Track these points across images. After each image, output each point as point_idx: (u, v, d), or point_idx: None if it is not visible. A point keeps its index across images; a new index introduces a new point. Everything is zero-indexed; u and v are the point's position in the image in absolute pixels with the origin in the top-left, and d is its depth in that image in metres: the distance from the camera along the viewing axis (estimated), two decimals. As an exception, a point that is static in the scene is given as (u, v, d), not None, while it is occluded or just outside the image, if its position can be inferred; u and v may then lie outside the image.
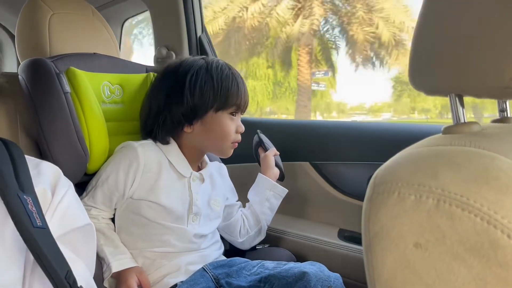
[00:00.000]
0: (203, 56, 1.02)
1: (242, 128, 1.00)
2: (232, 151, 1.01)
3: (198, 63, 0.98)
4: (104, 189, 0.93)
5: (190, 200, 0.96)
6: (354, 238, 1.10)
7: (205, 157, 1.06)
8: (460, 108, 0.46)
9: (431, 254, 0.32)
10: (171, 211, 0.93)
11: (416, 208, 0.33)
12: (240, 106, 0.98)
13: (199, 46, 1.43)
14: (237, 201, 1.13)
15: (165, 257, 0.93)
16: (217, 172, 1.08)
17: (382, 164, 0.40)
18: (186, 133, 0.98)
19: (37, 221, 0.51)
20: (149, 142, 0.97)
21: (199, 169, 1.03)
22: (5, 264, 0.51)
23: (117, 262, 0.89)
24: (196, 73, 0.96)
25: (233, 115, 0.98)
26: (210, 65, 0.98)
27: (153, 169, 0.94)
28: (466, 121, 0.46)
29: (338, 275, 0.89)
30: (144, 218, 0.93)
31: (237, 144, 1.00)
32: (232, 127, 0.98)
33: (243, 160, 1.26)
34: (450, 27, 0.40)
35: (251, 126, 1.37)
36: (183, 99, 0.95)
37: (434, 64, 0.43)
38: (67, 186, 0.60)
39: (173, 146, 0.98)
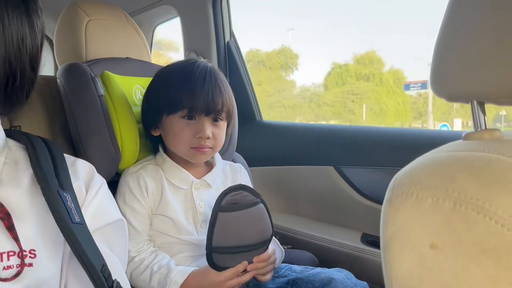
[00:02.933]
0: (191, 59, 1.00)
1: (204, 133, 0.91)
2: (201, 156, 0.95)
3: (166, 66, 1.00)
4: (139, 219, 0.93)
5: (194, 209, 0.96)
6: (377, 243, 1.10)
7: (216, 160, 1.03)
8: (481, 115, 0.47)
9: (447, 255, 0.33)
10: (180, 224, 0.94)
11: (433, 211, 0.35)
12: (194, 109, 0.91)
13: (227, 51, 1.47)
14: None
15: (187, 260, 0.94)
16: (231, 174, 1.06)
17: (406, 169, 0.41)
18: (164, 140, 0.98)
19: (76, 217, 0.54)
20: (147, 163, 0.99)
21: (208, 171, 1.01)
22: (47, 258, 0.54)
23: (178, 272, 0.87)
24: (155, 78, 0.99)
25: (189, 118, 0.92)
26: (172, 67, 0.97)
27: (157, 185, 0.95)
28: (487, 128, 0.46)
29: (366, 283, 0.89)
30: (158, 232, 0.94)
31: (205, 149, 0.93)
32: (185, 131, 0.92)
33: (269, 163, 1.28)
34: (475, 32, 0.40)
35: (276, 130, 1.39)
36: (143, 103, 0.99)
37: (457, 70, 0.44)
38: (100, 183, 0.62)
39: (167, 162, 0.98)
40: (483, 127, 0.46)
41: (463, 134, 0.46)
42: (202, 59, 1.00)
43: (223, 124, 0.97)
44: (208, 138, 0.92)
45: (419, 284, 0.34)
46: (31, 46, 0.51)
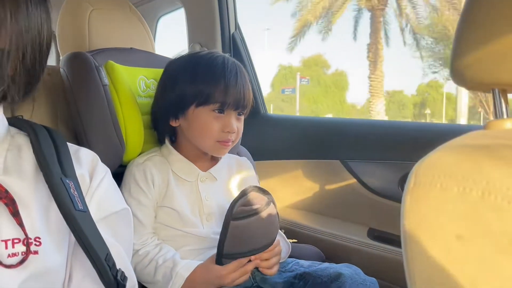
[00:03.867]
0: (213, 51, 1.00)
1: (232, 128, 0.93)
2: (224, 150, 0.97)
3: (191, 57, 0.98)
4: (144, 211, 0.92)
5: (200, 202, 0.96)
6: (384, 238, 1.09)
7: None
8: (503, 104, 0.45)
9: (474, 246, 0.32)
10: (185, 216, 0.93)
11: (459, 200, 0.33)
12: (226, 104, 0.92)
13: (232, 43, 1.45)
14: None
15: (191, 254, 0.93)
16: (237, 168, 1.06)
17: (413, 164, 0.39)
18: (178, 130, 0.98)
19: (79, 205, 0.53)
20: (153, 155, 0.98)
21: (213, 165, 1.01)
22: (52, 247, 0.53)
23: (184, 266, 0.87)
24: (183, 67, 0.97)
25: (219, 112, 0.93)
26: (201, 59, 0.96)
27: (163, 176, 0.94)
28: (509, 116, 0.45)
29: (374, 279, 0.88)
30: (162, 224, 0.94)
31: (229, 143, 0.95)
32: (214, 124, 0.93)
33: (274, 157, 1.26)
34: (496, 20, 0.39)
35: (281, 123, 1.38)
36: (166, 92, 0.97)
37: (478, 58, 0.43)
38: (104, 172, 0.62)
39: (173, 154, 0.98)
40: (505, 116, 0.45)
41: (484, 123, 0.45)
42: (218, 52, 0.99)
43: (242, 119, 1.00)
44: (234, 132, 0.95)
45: (444, 277, 0.33)
46: (48, 25, 0.56)
